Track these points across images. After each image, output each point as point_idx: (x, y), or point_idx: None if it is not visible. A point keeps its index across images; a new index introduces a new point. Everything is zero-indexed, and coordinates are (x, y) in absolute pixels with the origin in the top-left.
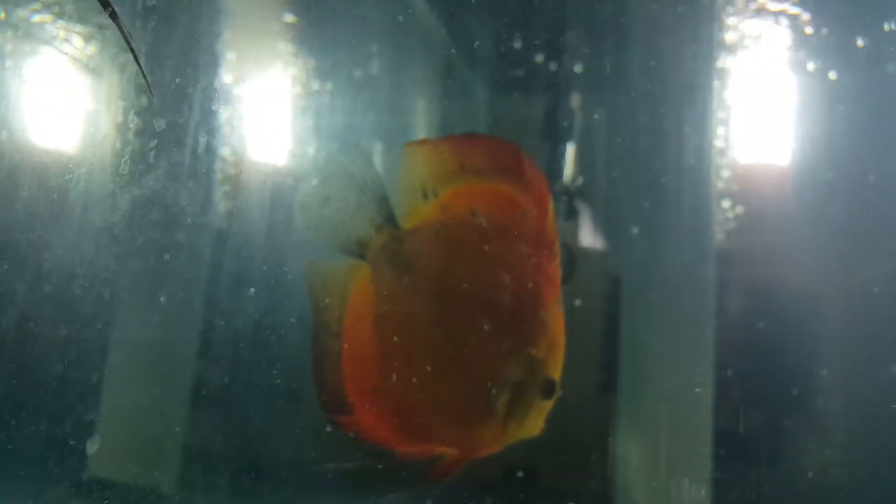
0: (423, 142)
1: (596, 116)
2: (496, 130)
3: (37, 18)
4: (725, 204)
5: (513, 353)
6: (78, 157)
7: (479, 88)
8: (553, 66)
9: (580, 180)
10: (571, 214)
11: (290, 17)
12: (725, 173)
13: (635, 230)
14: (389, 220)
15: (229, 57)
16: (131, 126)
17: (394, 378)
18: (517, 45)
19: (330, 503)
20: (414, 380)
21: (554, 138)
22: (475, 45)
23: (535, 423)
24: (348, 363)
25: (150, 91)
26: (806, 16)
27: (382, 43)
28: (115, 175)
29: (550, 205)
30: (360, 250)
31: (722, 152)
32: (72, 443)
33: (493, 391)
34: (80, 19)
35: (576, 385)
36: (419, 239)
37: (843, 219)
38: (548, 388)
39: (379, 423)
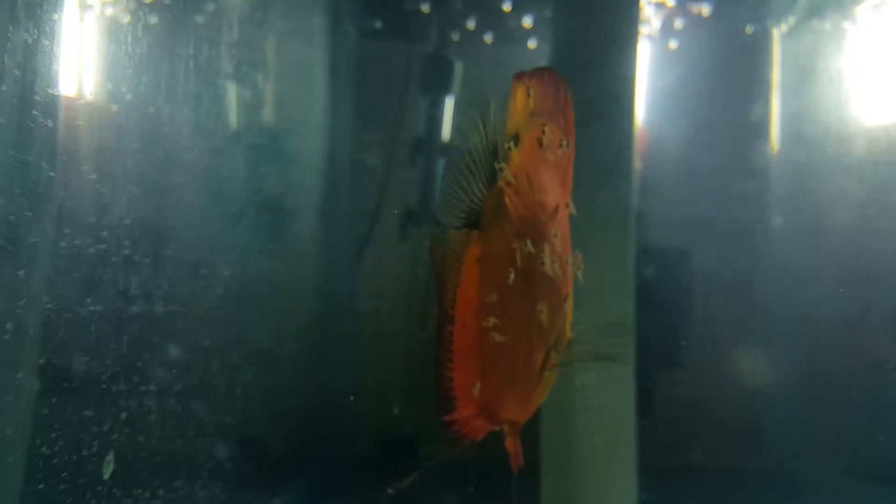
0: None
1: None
2: (371, 80)
3: None
4: None
5: (563, 314)
6: None
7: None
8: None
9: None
10: None
11: None
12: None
13: None
14: (494, 175)
15: None
16: None
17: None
18: None
19: None
20: (513, 359)
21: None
22: None
23: (547, 389)
24: (458, 351)
25: None
26: None
27: None
28: None
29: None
30: (475, 215)
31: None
32: None
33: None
34: None
35: None
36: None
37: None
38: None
39: (475, 414)
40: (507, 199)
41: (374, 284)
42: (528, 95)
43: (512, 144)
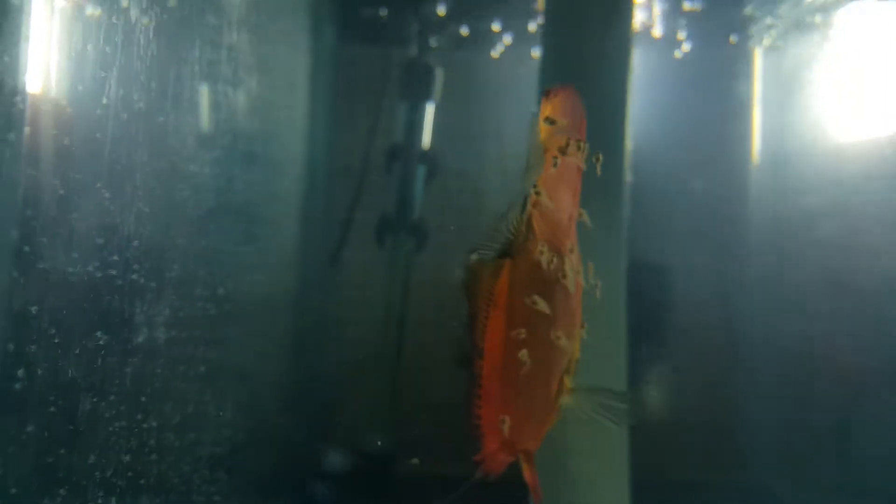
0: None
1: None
2: (349, 84)
3: None
4: None
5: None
6: None
7: (331, 35)
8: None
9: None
10: (429, 180)
11: None
12: None
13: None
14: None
15: None
16: None
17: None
18: None
19: None
20: (535, 387)
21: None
22: None
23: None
24: (486, 385)
25: None
26: None
27: None
28: None
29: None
30: (508, 244)
31: None
32: None
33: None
34: None
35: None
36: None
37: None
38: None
39: (500, 448)
40: (534, 222)
41: (355, 292)
42: (553, 113)
43: (540, 167)
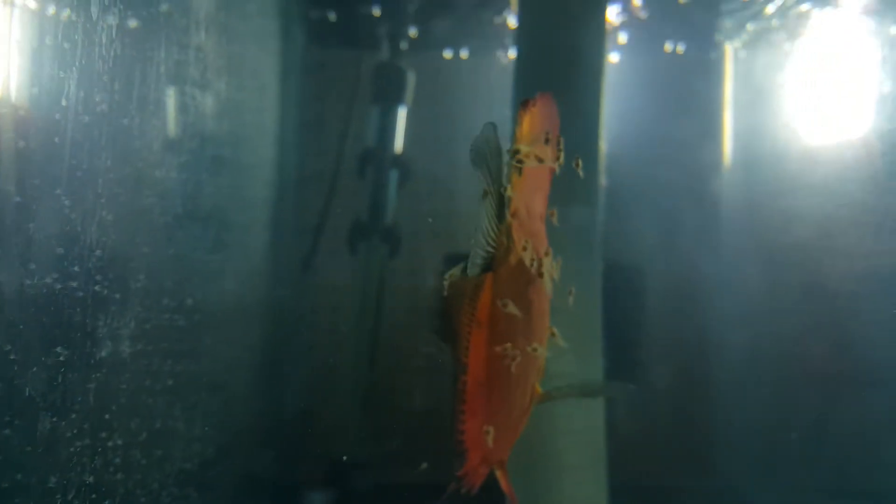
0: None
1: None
2: (319, 87)
3: None
4: None
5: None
6: None
7: (300, 36)
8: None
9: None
10: (402, 185)
11: None
12: None
13: None
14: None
15: None
16: None
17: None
18: None
19: None
20: (514, 397)
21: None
22: None
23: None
24: (470, 399)
25: None
26: None
27: None
28: None
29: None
30: (490, 258)
31: None
32: None
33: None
34: None
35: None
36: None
37: None
38: None
39: (480, 461)
40: (514, 233)
41: (328, 298)
42: (532, 122)
43: (517, 174)
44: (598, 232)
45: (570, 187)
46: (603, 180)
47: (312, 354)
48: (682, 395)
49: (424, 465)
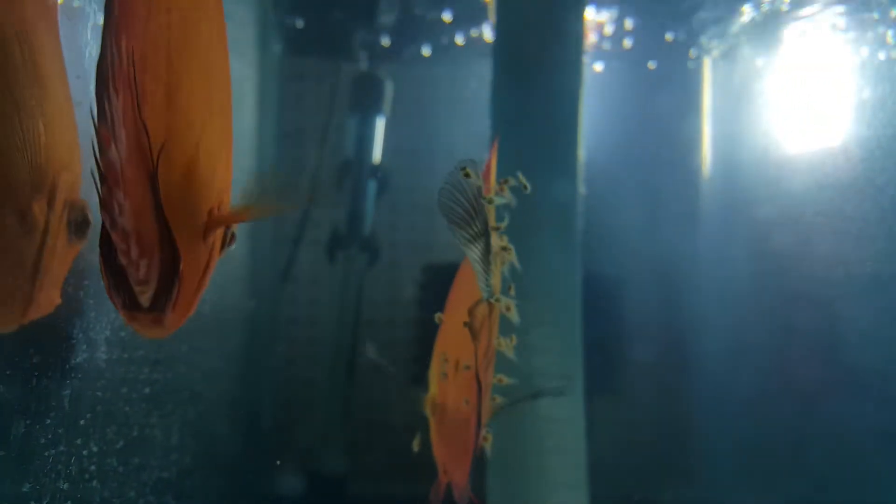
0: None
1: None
2: (297, 98)
3: None
4: None
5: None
6: None
7: (277, 47)
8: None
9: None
10: (380, 196)
11: None
12: None
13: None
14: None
15: None
16: None
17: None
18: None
19: None
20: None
21: (363, 111)
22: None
23: None
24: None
25: None
26: None
27: None
28: None
29: None
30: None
31: None
32: None
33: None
34: None
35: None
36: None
37: None
38: None
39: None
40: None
41: (306, 309)
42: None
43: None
44: (577, 240)
45: (549, 197)
46: (582, 189)
47: (290, 364)
48: (663, 405)
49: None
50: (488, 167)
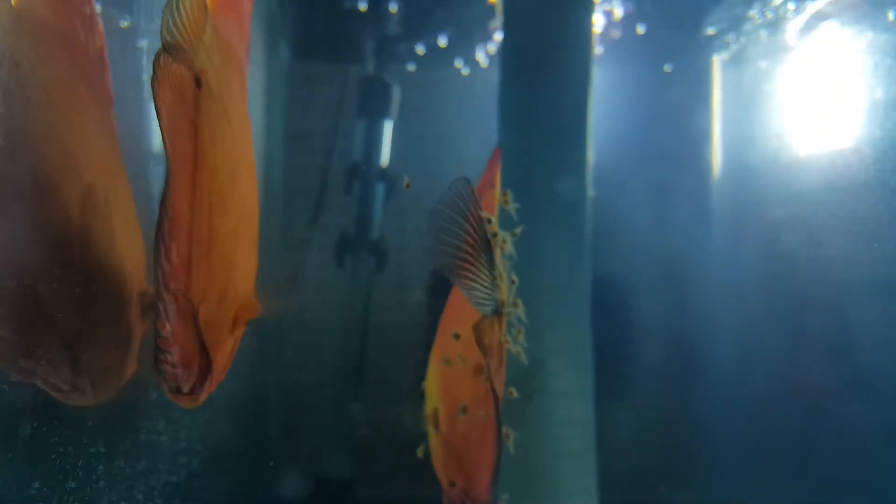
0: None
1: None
2: (304, 102)
3: None
4: None
5: None
6: None
7: (284, 52)
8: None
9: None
10: (388, 199)
11: None
12: None
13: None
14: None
15: None
16: None
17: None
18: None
19: None
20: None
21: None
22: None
23: None
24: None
25: None
26: None
27: None
28: None
29: None
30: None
31: None
32: None
33: None
34: None
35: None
36: None
37: None
38: None
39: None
40: None
41: (315, 313)
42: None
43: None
44: (587, 243)
45: (559, 199)
46: (591, 192)
47: (298, 368)
48: (672, 408)
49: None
50: (487, 180)
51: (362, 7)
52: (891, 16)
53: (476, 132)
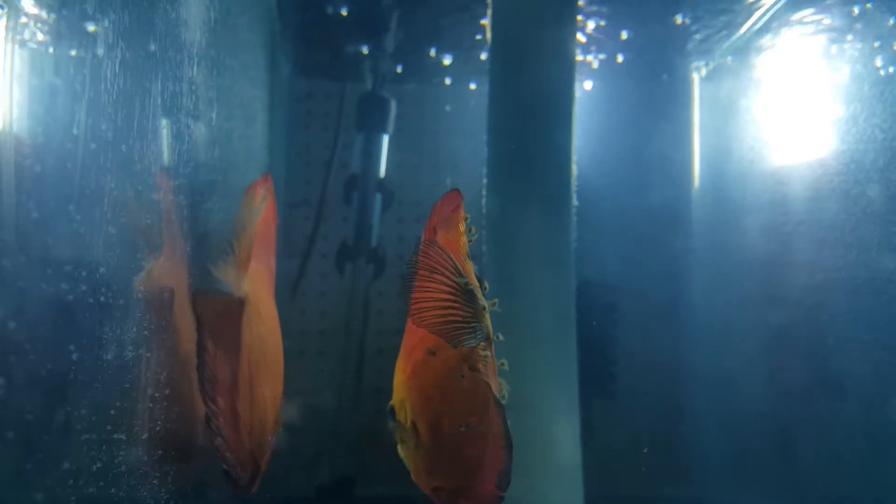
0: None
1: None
2: (305, 117)
3: None
4: None
5: None
6: None
7: (286, 68)
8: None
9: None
10: (386, 209)
11: None
12: None
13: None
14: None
15: None
16: None
17: None
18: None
19: None
20: None
21: (368, 129)
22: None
23: None
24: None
25: None
26: None
27: None
28: None
29: None
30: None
31: None
32: None
33: None
34: None
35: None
36: None
37: None
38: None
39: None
40: None
41: (314, 322)
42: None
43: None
44: (571, 250)
45: (544, 208)
46: (574, 201)
47: (299, 375)
48: (654, 408)
49: None
50: (441, 220)
51: (360, 28)
52: (850, 38)
53: (468, 145)
